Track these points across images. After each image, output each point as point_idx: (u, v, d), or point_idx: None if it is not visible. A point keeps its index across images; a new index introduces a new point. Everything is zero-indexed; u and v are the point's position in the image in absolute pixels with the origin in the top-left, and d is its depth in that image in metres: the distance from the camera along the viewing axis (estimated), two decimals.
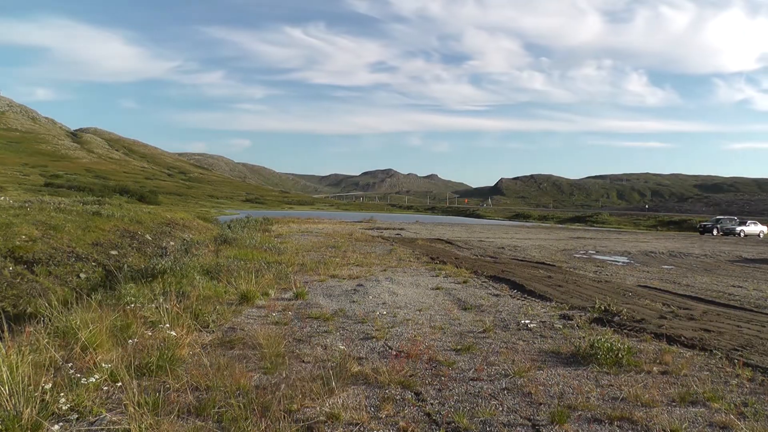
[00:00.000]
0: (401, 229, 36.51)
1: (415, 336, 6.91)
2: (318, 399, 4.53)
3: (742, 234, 46.01)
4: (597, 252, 23.07)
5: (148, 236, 17.22)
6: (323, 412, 4.27)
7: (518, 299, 10.10)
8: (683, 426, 4.23)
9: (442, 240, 26.83)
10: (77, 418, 3.95)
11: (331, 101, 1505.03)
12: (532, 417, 4.39)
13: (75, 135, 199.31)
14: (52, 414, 3.93)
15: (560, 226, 63.25)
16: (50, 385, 4.16)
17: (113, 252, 14.34)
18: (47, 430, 3.70)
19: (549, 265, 16.65)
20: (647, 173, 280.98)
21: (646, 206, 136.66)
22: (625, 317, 8.41)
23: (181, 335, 5.83)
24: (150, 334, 5.90)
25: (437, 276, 12.85)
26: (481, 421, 4.28)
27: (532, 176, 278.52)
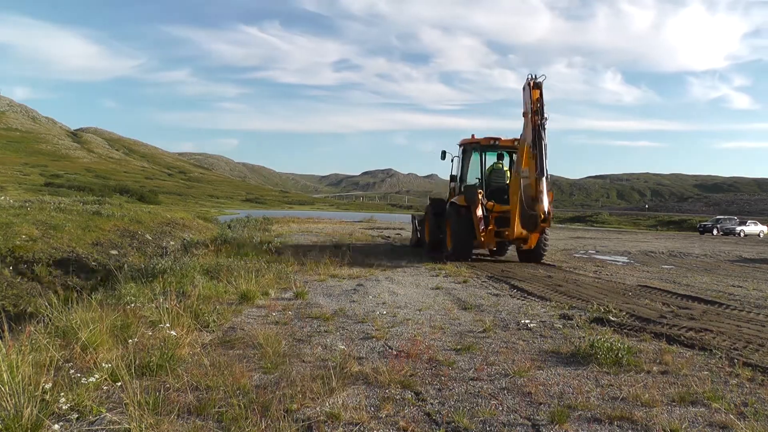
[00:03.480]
0: (401, 228, 36.50)
1: (415, 336, 6.92)
2: (318, 399, 4.53)
3: (742, 234, 46.03)
4: (597, 252, 23.07)
5: (148, 236, 17.22)
6: (323, 411, 4.28)
7: (518, 299, 10.10)
8: (683, 426, 4.23)
9: None
10: (77, 418, 3.95)
11: (307, 100, 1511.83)
12: (532, 417, 4.40)
13: (75, 135, 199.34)
14: (53, 413, 3.93)
15: (560, 225, 63.28)
16: (50, 384, 4.16)
17: (113, 252, 14.34)
18: (48, 429, 3.71)
19: (549, 264, 16.65)
20: (647, 173, 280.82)
21: (646, 206, 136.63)
22: (625, 317, 8.41)
23: (182, 335, 5.83)
24: (150, 333, 5.90)
25: (437, 276, 12.85)
26: (481, 420, 4.28)
27: None
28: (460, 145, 17.18)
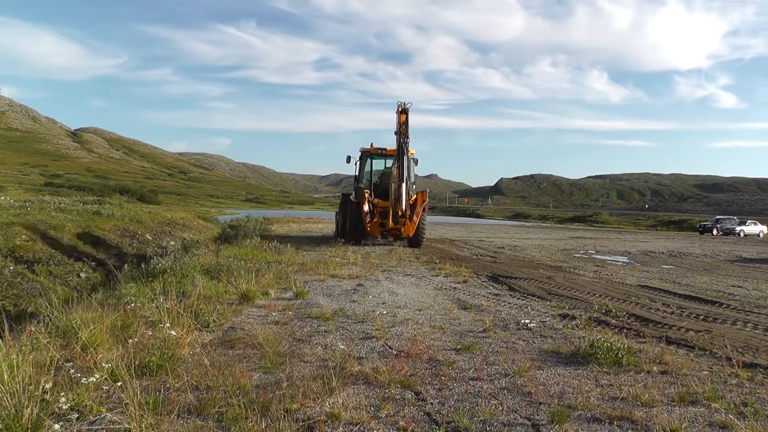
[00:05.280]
0: None
1: (415, 335, 6.92)
2: (318, 398, 4.53)
3: (742, 234, 46.05)
4: (597, 252, 23.07)
5: (148, 236, 17.23)
6: (323, 411, 4.28)
7: (518, 299, 10.10)
8: (683, 426, 4.23)
9: (442, 240, 26.82)
10: (77, 418, 3.95)
11: (293, 99, 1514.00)
12: (532, 416, 4.40)
13: (75, 134, 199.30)
14: (53, 413, 3.93)
15: (560, 225, 63.29)
16: (50, 384, 4.16)
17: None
18: (48, 429, 3.71)
19: (549, 264, 16.66)
20: (647, 173, 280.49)
21: (646, 206, 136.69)
22: (625, 317, 8.41)
23: (182, 335, 5.83)
24: (150, 333, 5.90)
25: (437, 276, 12.85)
26: (481, 420, 4.29)
27: (532, 176, 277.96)
28: (359, 153, 20.78)
